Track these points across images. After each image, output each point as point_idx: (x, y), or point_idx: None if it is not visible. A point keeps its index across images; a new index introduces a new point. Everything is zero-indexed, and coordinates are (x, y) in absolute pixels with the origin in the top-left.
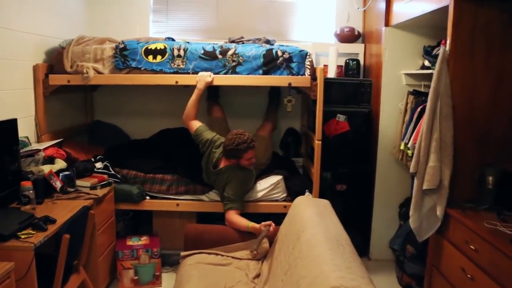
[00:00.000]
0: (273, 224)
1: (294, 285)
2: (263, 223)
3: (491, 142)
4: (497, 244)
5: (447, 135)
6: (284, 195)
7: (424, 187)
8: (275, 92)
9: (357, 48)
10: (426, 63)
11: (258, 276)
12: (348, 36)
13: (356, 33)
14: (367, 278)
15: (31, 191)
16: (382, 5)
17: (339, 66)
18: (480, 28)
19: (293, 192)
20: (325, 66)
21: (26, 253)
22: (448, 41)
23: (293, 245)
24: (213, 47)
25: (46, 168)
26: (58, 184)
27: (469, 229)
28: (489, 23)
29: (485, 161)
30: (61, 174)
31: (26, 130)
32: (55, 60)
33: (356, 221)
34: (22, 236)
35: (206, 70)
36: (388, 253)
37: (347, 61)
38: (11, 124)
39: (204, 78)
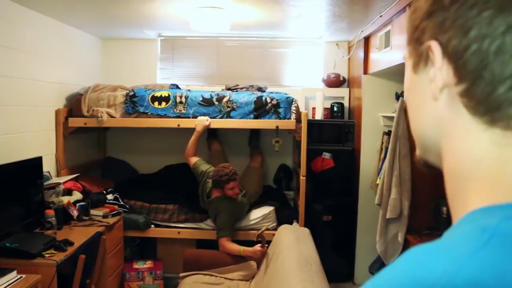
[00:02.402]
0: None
1: None
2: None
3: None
4: None
5: (406, 172)
6: (275, 224)
7: (387, 216)
8: (254, 130)
9: (342, 92)
10: None
11: None
12: (334, 82)
13: (342, 78)
14: None
15: (53, 218)
16: (362, 55)
17: (326, 109)
18: None
19: (282, 222)
20: (314, 108)
21: (50, 268)
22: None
23: (273, 265)
24: (211, 94)
25: (65, 199)
26: (75, 213)
27: None
28: None
29: (440, 193)
30: (77, 204)
31: (47, 165)
32: (74, 105)
33: (341, 249)
34: (46, 255)
35: (204, 114)
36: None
37: (332, 104)
38: (37, 161)
39: (202, 122)
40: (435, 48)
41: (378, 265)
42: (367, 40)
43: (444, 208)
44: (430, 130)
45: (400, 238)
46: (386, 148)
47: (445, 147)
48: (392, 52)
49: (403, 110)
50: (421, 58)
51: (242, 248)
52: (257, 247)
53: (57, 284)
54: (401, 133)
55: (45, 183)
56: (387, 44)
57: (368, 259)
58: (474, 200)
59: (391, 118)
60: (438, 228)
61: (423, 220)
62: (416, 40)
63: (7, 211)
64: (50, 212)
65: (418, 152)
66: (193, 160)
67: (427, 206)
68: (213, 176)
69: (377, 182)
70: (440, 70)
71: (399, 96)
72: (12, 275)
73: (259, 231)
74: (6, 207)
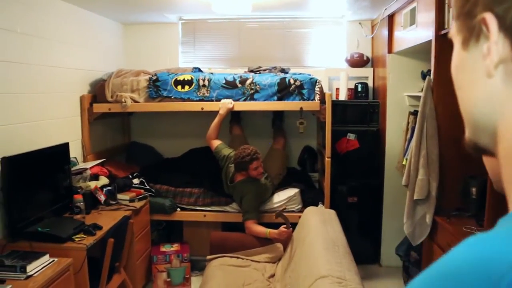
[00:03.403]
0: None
1: (296, 278)
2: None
3: (474, 157)
4: None
5: (433, 152)
6: (300, 206)
7: (415, 197)
8: (277, 112)
9: (366, 72)
10: None
11: (273, 276)
12: (358, 61)
13: (365, 58)
14: (353, 271)
15: (82, 203)
16: (386, 34)
17: (350, 89)
18: None
19: (308, 204)
20: (337, 89)
21: (80, 252)
22: (432, 71)
23: (300, 247)
24: (234, 77)
25: (92, 184)
26: (102, 198)
27: (450, 233)
28: None
29: (469, 174)
30: (104, 189)
31: (74, 151)
32: (98, 91)
33: (367, 230)
34: (76, 239)
35: (227, 97)
36: (397, 260)
37: (356, 84)
38: (64, 147)
39: (225, 105)
40: (491, 20)
41: (405, 246)
42: (391, 18)
43: (473, 189)
44: (483, 110)
45: (428, 219)
46: (412, 128)
47: (501, 127)
48: (417, 30)
49: (430, 89)
50: (472, 33)
51: (268, 230)
52: (282, 228)
53: (87, 267)
54: (428, 113)
55: (72, 169)
56: (412, 21)
57: (395, 241)
58: None
59: (416, 97)
60: (467, 209)
61: (451, 201)
62: (466, 14)
63: (37, 197)
64: (78, 197)
65: (468, 134)
66: (215, 143)
67: (455, 186)
68: (235, 159)
69: (403, 163)
70: (496, 44)
71: (425, 75)
72: (45, 259)
73: (278, 212)
74: (36, 193)
